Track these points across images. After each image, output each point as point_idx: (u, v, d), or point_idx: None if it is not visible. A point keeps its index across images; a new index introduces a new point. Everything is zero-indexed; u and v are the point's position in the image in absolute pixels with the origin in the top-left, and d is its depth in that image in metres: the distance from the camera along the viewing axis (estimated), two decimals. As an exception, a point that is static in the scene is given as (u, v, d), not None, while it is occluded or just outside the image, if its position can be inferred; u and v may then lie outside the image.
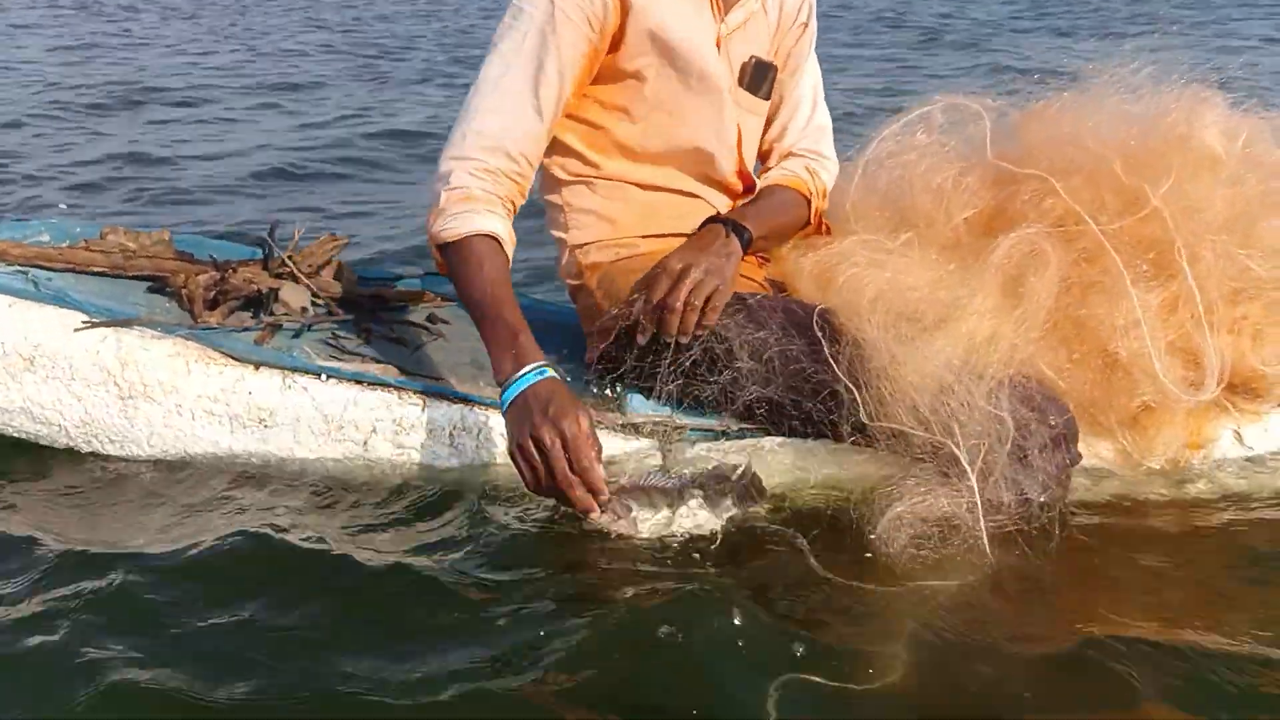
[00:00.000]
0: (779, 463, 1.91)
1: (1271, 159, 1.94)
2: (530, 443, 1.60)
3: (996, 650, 1.55)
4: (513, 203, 1.85)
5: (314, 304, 2.16)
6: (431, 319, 2.25)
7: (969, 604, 1.64)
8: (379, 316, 2.22)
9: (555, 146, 2.00)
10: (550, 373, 1.66)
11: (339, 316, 2.14)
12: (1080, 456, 1.81)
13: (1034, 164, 1.98)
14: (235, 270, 2.09)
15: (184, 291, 2.06)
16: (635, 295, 1.87)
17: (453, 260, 1.79)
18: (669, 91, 1.91)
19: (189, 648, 1.52)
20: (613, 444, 1.88)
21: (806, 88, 2.16)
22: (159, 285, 2.13)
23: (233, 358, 1.91)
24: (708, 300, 1.82)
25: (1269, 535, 1.83)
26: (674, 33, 1.88)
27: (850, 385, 1.75)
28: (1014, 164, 2.01)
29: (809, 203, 2.13)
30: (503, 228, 1.79)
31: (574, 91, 1.89)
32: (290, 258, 2.19)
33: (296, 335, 2.05)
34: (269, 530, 1.80)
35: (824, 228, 2.16)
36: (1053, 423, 1.75)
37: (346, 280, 2.27)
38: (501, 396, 1.68)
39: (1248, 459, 1.92)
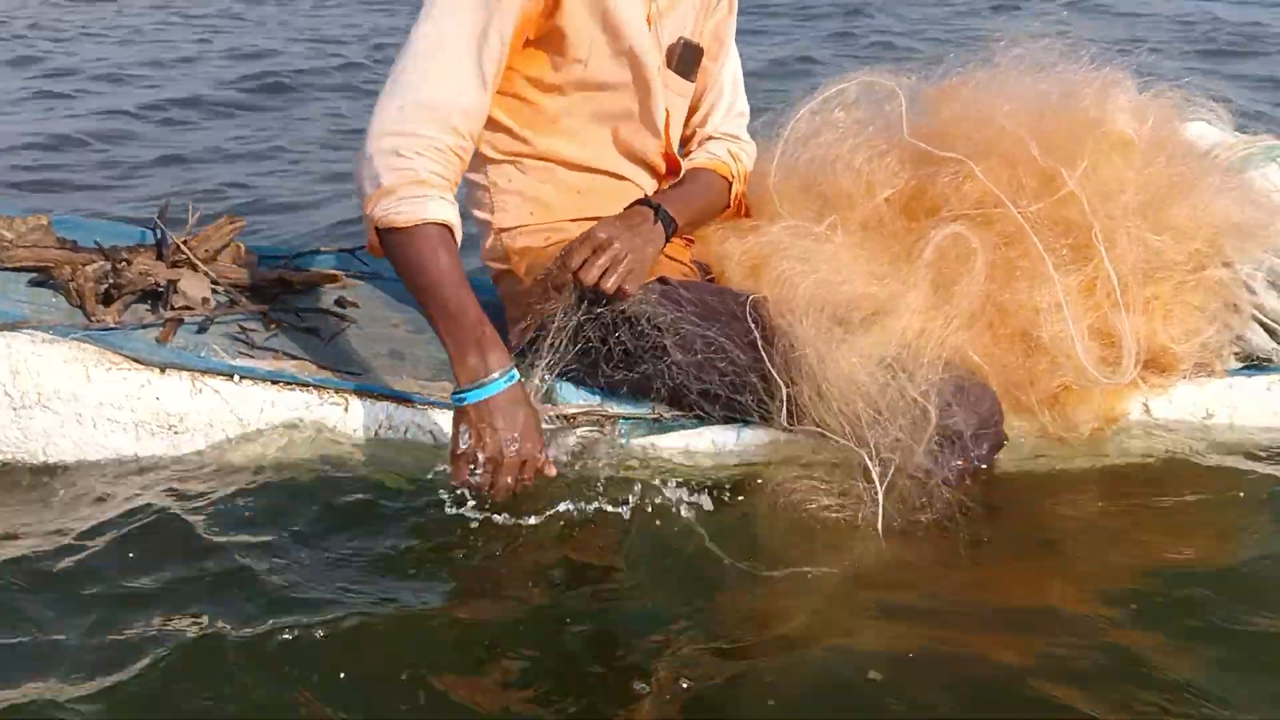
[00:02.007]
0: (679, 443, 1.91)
1: (1176, 141, 2.00)
2: (488, 460, 1.64)
3: (889, 629, 1.59)
4: (456, 184, 1.75)
5: (214, 293, 2.04)
6: (340, 303, 2.16)
7: (865, 585, 1.68)
8: (284, 302, 2.11)
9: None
10: (517, 377, 1.67)
11: (243, 307, 2.03)
12: (1005, 439, 1.86)
13: (951, 143, 2.00)
14: (128, 261, 1.95)
15: (72, 285, 1.92)
16: (554, 262, 1.83)
17: (401, 245, 1.68)
18: (602, 67, 1.86)
19: (88, 673, 1.44)
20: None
21: (729, 73, 2.15)
22: (42, 277, 1.98)
23: (136, 360, 1.79)
24: (622, 276, 1.79)
25: (1173, 500, 1.93)
26: (615, 9, 1.81)
27: (782, 382, 1.76)
28: (931, 143, 2.02)
29: (730, 186, 2.13)
30: (455, 216, 1.70)
31: (510, 59, 1.81)
32: (185, 243, 2.06)
33: (200, 330, 1.94)
34: (179, 543, 1.71)
35: (743, 209, 2.16)
36: (979, 410, 1.81)
37: (247, 264, 2.16)
38: (462, 394, 1.65)
39: (1152, 428, 2.00)
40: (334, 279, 2.23)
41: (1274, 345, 2.00)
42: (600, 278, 1.77)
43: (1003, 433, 1.86)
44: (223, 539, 1.72)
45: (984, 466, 1.85)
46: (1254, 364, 2.03)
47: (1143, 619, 1.60)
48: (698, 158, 2.10)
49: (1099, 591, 1.68)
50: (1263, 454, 2.00)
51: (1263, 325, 1.99)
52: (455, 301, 1.65)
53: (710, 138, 2.15)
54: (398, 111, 1.69)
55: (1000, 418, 1.86)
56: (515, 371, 1.67)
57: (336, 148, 4.71)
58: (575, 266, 1.78)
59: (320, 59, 6.70)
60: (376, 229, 1.70)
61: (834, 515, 1.77)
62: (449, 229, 1.69)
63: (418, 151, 1.68)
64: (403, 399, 1.84)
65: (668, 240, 1.92)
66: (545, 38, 1.82)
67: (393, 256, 1.71)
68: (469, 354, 1.65)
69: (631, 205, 1.92)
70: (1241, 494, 1.91)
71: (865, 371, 1.74)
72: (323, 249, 2.39)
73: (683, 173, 2.07)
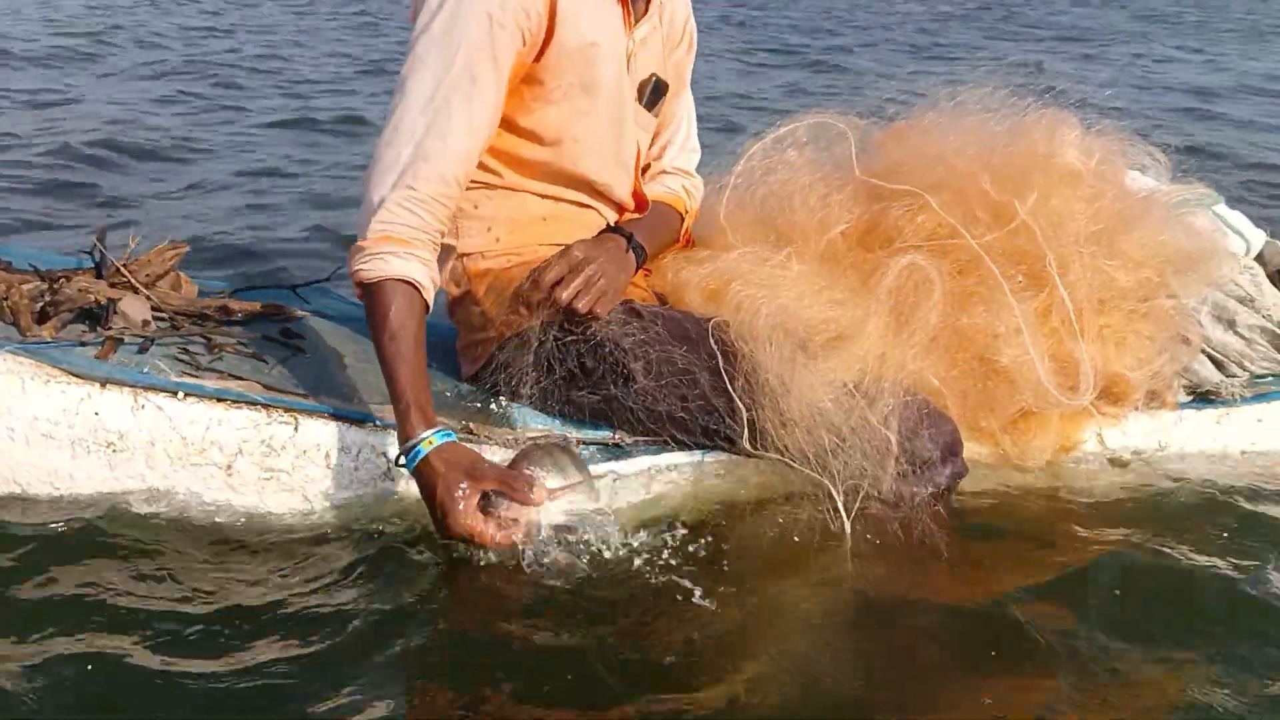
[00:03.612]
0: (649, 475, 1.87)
1: (1119, 177, 2.06)
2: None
3: (860, 659, 1.58)
4: (440, 231, 1.75)
5: (155, 316, 1.96)
6: (286, 333, 2.09)
7: (832, 611, 1.69)
8: (227, 331, 2.04)
9: None
10: (443, 439, 1.62)
11: (185, 330, 1.95)
12: (966, 469, 1.86)
13: (902, 181, 2.03)
14: (68, 280, 1.87)
15: (6, 303, 1.83)
16: (528, 278, 1.82)
17: (367, 302, 1.69)
18: (578, 115, 1.87)
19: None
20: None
21: (685, 109, 2.17)
22: (-28, 296, 1.88)
23: (75, 375, 1.70)
24: (596, 297, 1.80)
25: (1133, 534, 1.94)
26: (599, 50, 1.83)
27: (745, 405, 1.75)
28: (883, 180, 2.05)
29: (683, 221, 2.14)
30: (421, 271, 1.69)
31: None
32: (126, 266, 1.98)
33: (141, 351, 1.85)
34: (116, 570, 1.63)
35: (690, 244, 2.17)
36: (938, 438, 1.81)
37: (187, 291, 2.09)
38: (401, 460, 1.64)
39: (1107, 459, 2.02)
40: (278, 310, 2.16)
41: (1221, 378, 2.04)
42: (573, 298, 1.76)
43: (962, 460, 1.85)
44: (163, 565, 1.63)
45: (945, 493, 1.84)
46: (1201, 396, 2.07)
47: (1113, 634, 1.61)
48: (654, 191, 2.11)
49: (1061, 612, 1.68)
50: (1213, 483, 2.04)
51: (1210, 358, 2.04)
52: (391, 365, 1.65)
53: (664, 172, 2.16)
54: (391, 164, 1.70)
55: (960, 445, 1.86)
56: (441, 432, 1.63)
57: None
58: (550, 282, 1.77)
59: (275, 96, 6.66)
60: (356, 284, 1.71)
61: (799, 541, 1.75)
62: (414, 286, 1.68)
63: (399, 204, 1.68)
64: (355, 420, 1.77)
65: (638, 269, 1.92)
66: (528, 81, 1.83)
67: (366, 312, 1.71)
68: (401, 422, 1.64)
69: (603, 231, 1.93)
70: (1195, 522, 1.94)
71: (829, 397, 1.73)
72: (263, 286, 2.33)
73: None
